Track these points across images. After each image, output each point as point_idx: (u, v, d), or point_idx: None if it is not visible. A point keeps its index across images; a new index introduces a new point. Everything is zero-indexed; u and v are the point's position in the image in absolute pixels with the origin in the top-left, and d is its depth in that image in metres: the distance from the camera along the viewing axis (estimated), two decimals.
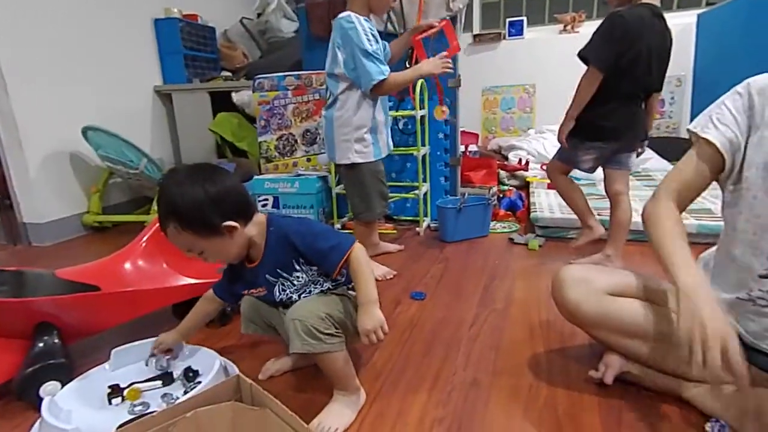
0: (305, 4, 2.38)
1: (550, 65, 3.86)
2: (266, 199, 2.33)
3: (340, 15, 1.56)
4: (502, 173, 2.97)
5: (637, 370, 0.98)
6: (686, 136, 0.96)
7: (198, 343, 1.15)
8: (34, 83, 2.27)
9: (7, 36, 2.15)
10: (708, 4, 3.67)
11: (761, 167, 0.80)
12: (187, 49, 3.07)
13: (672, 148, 3.11)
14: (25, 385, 1.01)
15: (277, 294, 1.00)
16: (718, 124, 0.84)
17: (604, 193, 1.75)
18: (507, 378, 1.08)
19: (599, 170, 1.71)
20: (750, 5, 2.84)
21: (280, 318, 1.03)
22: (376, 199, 1.73)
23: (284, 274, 0.98)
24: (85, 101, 2.53)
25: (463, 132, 2.97)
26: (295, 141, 2.53)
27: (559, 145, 1.72)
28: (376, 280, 1.68)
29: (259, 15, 3.48)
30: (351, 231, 1.97)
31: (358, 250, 0.93)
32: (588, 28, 3.73)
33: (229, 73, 3.28)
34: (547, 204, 2.30)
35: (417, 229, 2.25)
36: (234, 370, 1.04)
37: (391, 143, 1.81)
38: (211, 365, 1.00)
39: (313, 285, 0.99)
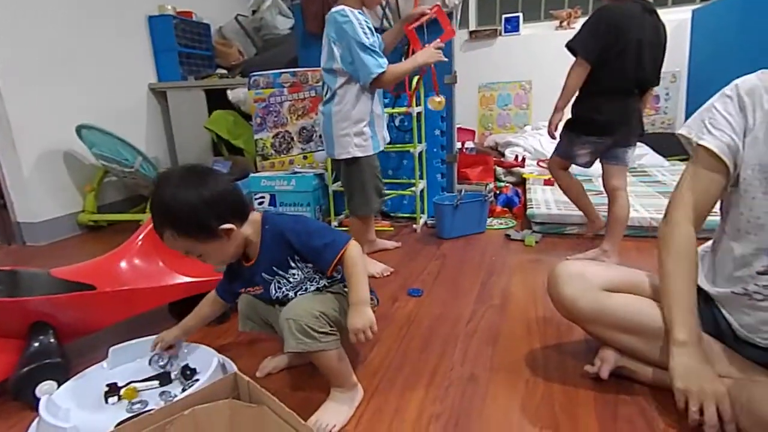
0: (300, 1, 2.37)
1: (546, 61, 3.85)
2: (263, 197, 2.32)
3: (334, 9, 1.55)
4: (499, 170, 2.97)
5: (632, 364, 0.99)
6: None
7: (196, 341, 1.14)
8: (26, 81, 2.26)
9: None
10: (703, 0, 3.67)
11: (757, 168, 0.80)
12: (182, 46, 3.05)
13: (667, 144, 3.12)
14: (20, 384, 1.01)
15: (273, 291, 1.00)
16: (713, 129, 0.84)
17: (601, 188, 1.76)
18: (504, 373, 1.08)
19: (597, 166, 1.72)
20: (744, 1, 2.85)
21: (277, 315, 1.03)
22: (373, 194, 1.73)
23: (280, 272, 0.97)
24: (78, 99, 2.51)
25: (459, 129, 2.97)
26: (292, 138, 2.52)
27: (556, 142, 1.74)
28: (374, 276, 1.69)
29: (254, 12, 3.46)
30: (347, 228, 1.97)
31: (353, 249, 0.92)
32: None
33: (224, 71, 3.26)
34: (544, 200, 2.30)
35: (414, 226, 2.25)
36: (232, 367, 1.04)
37: (387, 135, 1.81)
38: (209, 363, 1.00)
39: (309, 282, 0.99)
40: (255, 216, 0.96)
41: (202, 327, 1.14)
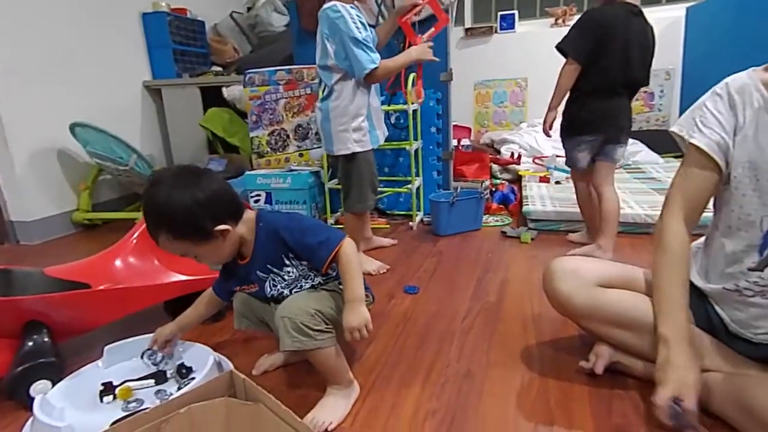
0: None
1: (541, 59, 3.84)
2: (258, 195, 2.32)
3: (326, 5, 1.55)
4: (495, 167, 2.98)
5: (627, 360, 0.99)
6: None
7: (191, 340, 1.14)
8: (19, 79, 2.23)
9: None
10: None
11: (747, 166, 0.80)
12: (176, 43, 3.03)
13: (662, 141, 3.13)
14: (14, 384, 1.00)
15: (268, 289, 0.99)
16: (703, 127, 0.84)
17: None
18: (500, 370, 1.09)
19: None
20: None
21: (272, 313, 1.03)
22: (369, 191, 1.73)
23: (275, 270, 0.97)
24: (72, 97, 2.49)
25: (455, 126, 2.97)
26: (287, 136, 2.52)
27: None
28: (370, 274, 1.70)
29: (249, 9, 3.44)
30: (342, 225, 1.96)
31: (348, 246, 0.92)
32: None
33: (219, 68, 3.24)
34: (539, 197, 2.31)
35: (410, 223, 2.25)
36: (228, 365, 1.04)
37: (386, 129, 1.80)
38: (204, 361, 0.99)
39: (303, 280, 0.99)
40: (249, 214, 0.96)
41: (197, 325, 1.14)
